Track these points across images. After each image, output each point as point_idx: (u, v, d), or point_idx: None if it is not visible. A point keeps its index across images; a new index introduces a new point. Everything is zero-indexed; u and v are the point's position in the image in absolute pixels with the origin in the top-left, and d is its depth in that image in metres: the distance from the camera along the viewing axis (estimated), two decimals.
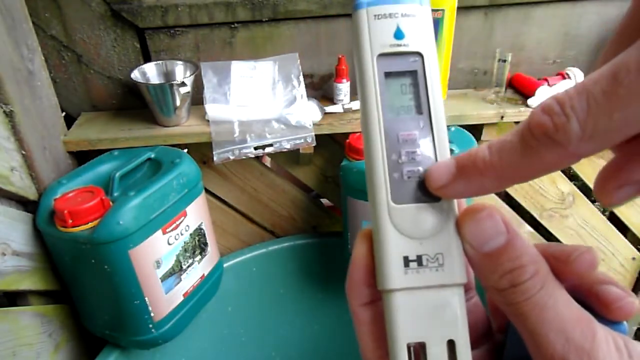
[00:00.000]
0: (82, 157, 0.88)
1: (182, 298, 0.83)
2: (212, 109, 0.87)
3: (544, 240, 1.19)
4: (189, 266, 0.83)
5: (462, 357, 0.20)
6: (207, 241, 0.87)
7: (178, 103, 0.84)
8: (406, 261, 0.21)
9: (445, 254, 0.21)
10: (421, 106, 0.22)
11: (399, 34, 0.22)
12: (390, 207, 0.21)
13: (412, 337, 0.20)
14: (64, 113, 0.90)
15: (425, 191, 0.21)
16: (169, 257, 0.78)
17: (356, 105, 0.90)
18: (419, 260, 0.21)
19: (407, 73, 0.22)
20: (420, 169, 0.21)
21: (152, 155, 0.82)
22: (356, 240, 0.23)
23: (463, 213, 0.21)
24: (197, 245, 0.85)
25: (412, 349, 0.21)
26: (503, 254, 0.19)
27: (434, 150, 0.21)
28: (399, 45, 0.22)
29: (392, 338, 0.21)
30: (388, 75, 0.22)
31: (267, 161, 1.29)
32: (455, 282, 0.21)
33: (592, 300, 0.21)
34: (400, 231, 0.21)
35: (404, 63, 0.22)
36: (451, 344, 0.21)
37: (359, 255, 0.23)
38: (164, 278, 0.78)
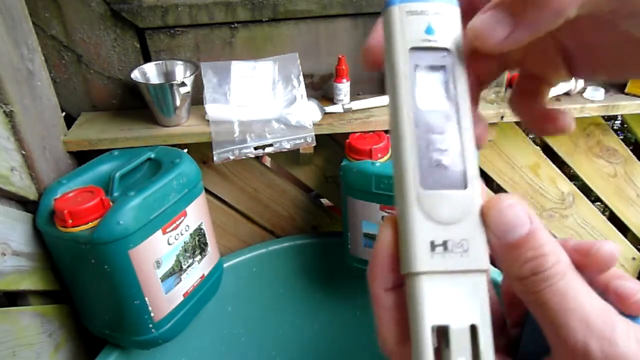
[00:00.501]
0: (82, 157, 0.88)
1: (182, 298, 0.83)
2: (212, 109, 0.87)
3: None
4: (189, 266, 0.83)
5: (484, 341, 0.21)
6: (207, 241, 0.87)
7: (178, 103, 0.84)
8: (432, 245, 0.21)
9: (470, 240, 0.21)
10: (449, 98, 0.23)
11: (429, 30, 0.23)
12: (418, 192, 0.22)
13: (436, 320, 0.21)
14: (64, 113, 0.90)
15: (453, 178, 0.22)
16: (169, 257, 0.78)
17: (356, 105, 0.90)
18: (444, 245, 0.21)
19: (437, 67, 0.23)
20: (447, 157, 0.22)
21: (152, 155, 0.82)
22: (381, 227, 0.24)
23: (488, 202, 0.21)
24: (197, 245, 0.85)
25: (435, 332, 0.21)
26: (525, 243, 0.20)
27: (460, 138, 0.22)
28: (430, 41, 0.23)
29: (415, 321, 0.21)
30: (419, 67, 0.23)
31: (267, 161, 1.29)
32: (480, 268, 0.21)
33: (609, 295, 0.22)
34: (427, 216, 0.21)
35: (434, 57, 0.23)
36: (473, 329, 0.21)
37: (383, 240, 0.23)
38: (164, 278, 0.78)
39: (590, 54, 0.25)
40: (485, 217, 0.21)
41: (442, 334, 0.21)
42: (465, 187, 0.22)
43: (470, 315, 0.21)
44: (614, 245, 0.23)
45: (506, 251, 0.21)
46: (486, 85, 0.27)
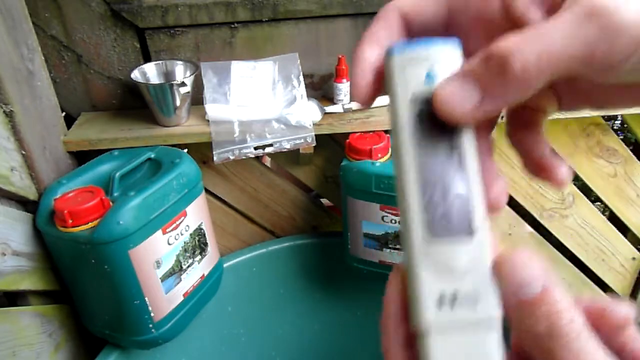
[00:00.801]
0: (82, 157, 0.88)
1: (182, 298, 0.83)
2: (212, 109, 0.87)
3: (544, 240, 1.19)
4: (189, 266, 0.83)
5: None
6: (207, 241, 0.87)
7: (178, 103, 0.84)
8: (441, 298, 0.21)
9: (480, 292, 0.21)
10: (454, 146, 0.22)
11: (429, 79, 0.23)
12: (425, 242, 0.21)
13: None
14: (64, 113, 0.90)
15: (461, 227, 0.21)
16: (169, 257, 0.78)
17: (356, 105, 0.90)
18: (453, 297, 0.21)
19: (438, 118, 0.23)
20: (454, 207, 0.22)
21: (152, 155, 0.82)
22: (390, 276, 0.23)
23: (501, 257, 0.21)
24: (197, 245, 0.85)
25: None
26: (540, 300, 0.19)
27: (467, 186, 0.22)
28: (431, 88, 0.22)
29: None
30: (421, 116, 0.23)
31: (267, 161, 1.29)
32: (491, 322, 0.21)
33: (626, 357, 0.21)
34: (435, 267, 0.21)
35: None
36: None
37: (392, 292, 0.22)
38: (164, 278, 0.78)
39: (576, 92, 0.25)
40: (498, 271, 0.21)
41: None
42: (474, 235, 0.21)
43: None
44: (629, 307, 0.22)
45: (519, 306, 0.20)
46: (492, 129, 0.27)
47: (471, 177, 0.22)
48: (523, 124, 0.27)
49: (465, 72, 0.21)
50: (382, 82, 0.24)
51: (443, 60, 0.23)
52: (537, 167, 0.26)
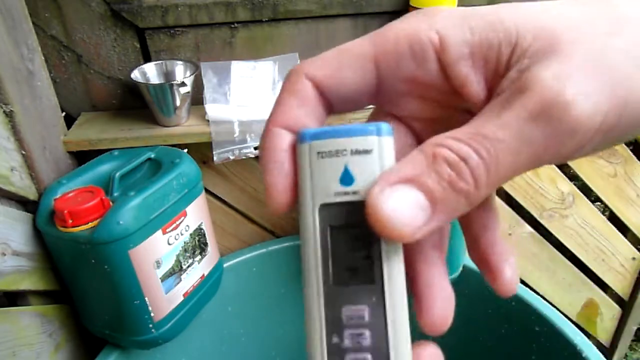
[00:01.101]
0: (82, 157, 0.88)
1: (182, 298, 0.83)
2: (212, 109, 0.87)
3: (544, 240, 1.19)
4: (189, 266, 0.83)
5: None
6: (207, 241, 0.87)
7: (178, 103, 0.84)
8: None
9: None
10: (374, 274, 0.17)
11: (346, 179, 0.17)
12: None
13: None
14: (64, 113, 0.90)
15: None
16: (169, 257, 0.78)
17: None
18: None
19: (357, 227, 0.17)
20: (368, 358, 0.16)
21: (152, 155, 0.82)
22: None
23: None
24: (197, 245, 0.85)
25: None
26: None
27: (386, 334, 0.17)
28: (346, 194, 0.17)
29: None
30: (333, 229, 0.17)
31: None
32: None
33: None
34: None
35: (353, 216, 0.17)
36: None
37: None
38: (164, 278, 0.78)
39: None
40: None
41: None
42: None
43: None
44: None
45: None
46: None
47: (396, 318, 0.17)
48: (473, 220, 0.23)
49: (409, 179, 0.17)
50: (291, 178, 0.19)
51: (366, 152, 0.17)
52: (484, 262, 0.22)
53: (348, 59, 0.21)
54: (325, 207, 0.17)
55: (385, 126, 0.18)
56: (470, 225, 0.22)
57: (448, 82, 0.20)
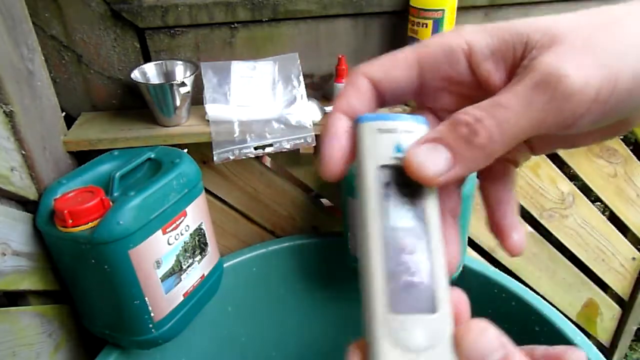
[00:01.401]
0: (82, 157, 0.88)
1: (182, 298, 0.83)
2: (212, 109, 0.87)
3: (544, 240, 1.19)
4: (189, 266, 0.83)
5: None
6: (207, 241, 0.87)
7: (178, 103, 0.84)
8: None
9: None
10: (419, 217, 0.23)
11: (399, 148, 0.23)
12: (385, 317, 0.20)
13: None
14: (64, 113, 0.90)
15: (423, 301, 0.21)
16: (169, 257, 0.78)
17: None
18: None
19: (407, 184, 0.23)
20: (417, 279, 0.21)
21: (152, 155, 0.82)
22: (349, 350, 0.22)
23: (460, 330, 0.21)
24: (197, 245, 0.85)
25: None
26: None
27: (431, 259, 0.22)
28: (397, 159, 0.23)
29: None
30: (388, 185, 0.23)
31: (267, 161, 1.29)
32: None
33: None
34: (395, 343, 0.20)
35: (404, 175, 0.23)
36: None
37: None
38: (164, 278, 0.78)
39: (546, 140, 0.28)
40: (458, 344, 0.21)
41: None
42: (435, 310, 0.21)
43: None
44: (583, 353, 0.24)
45: None
46: (461, 185, 0.28)
47: (435, 249, 0.22)
48: (494, 176, 0.29)
49: (436, 139, 0.23)
50: (353, 154, 0.24)
51: (412, 132, 0.24)
52: (496, 228, 0.29)
53: (398, 62, 0.26)
54: (383, 168, 0.23)
55: (422, 118, 0.25)
56: (490, 198, 0.29)
57: (476, 79, 0.25)
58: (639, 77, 0.21)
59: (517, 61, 0.23)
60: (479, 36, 0.24)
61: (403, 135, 0.23)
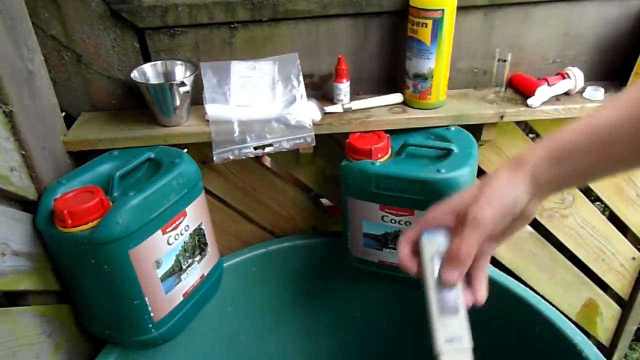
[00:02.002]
0: (81, 157, 0.88)
1: (182, 298, 0.83)
2: (212, 109, 0.87)
3: (544, 240, 1.19)
4: (188, 266, 0.83)
5: None
6: (207, 241, 0.87)
7: (178, 103, 0.84)
8: (446, 339, 0.48)
9: (462, 336, 0.48)
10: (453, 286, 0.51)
11: (440, 249, 0.51)
12: (438, 316, 0.49)
13: None
14: (63, 113, 0.90)
15: (454, 311, 0.49)
16: (168, 257, 0.78)
17: (356, 105, 0.90)
18: (451, 339, 0.48)
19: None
20: (451, 303, 0.49)
21: (152, 155, 0.82)
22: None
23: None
24: (197, 245, 0.85)
25: None
26: None
27: (457, 297, 0.50)
28: (440, 252, 0.52)
29: None
30: (435, 270, 0.51)
31: (267, 161, 1.29)
32: (467, 347, 0.48)
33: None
34: (443, 326, 0.49)
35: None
36: None
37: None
38: (163, 278, 0.78)
39: (498, 237, 0.53)
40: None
41: None
42: (458, 313, 0.49)
43: None
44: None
45: None
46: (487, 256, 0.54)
47: (459, 294, 0.50)
48: (483, 253, 0.52)
49: (451, 261, 0.49)
50: (414, 256, 0.53)
51: (443, 239, 0.51)
52: (469, 280, 0.52)
53: (438, 213, 0.52)
54: (432, 262, 0.52)
55: (445, 231, 0.53)
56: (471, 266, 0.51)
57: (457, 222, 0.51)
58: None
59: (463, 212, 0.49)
60: (487, 209, 0.48)
61: (441, 241, 0.51)
